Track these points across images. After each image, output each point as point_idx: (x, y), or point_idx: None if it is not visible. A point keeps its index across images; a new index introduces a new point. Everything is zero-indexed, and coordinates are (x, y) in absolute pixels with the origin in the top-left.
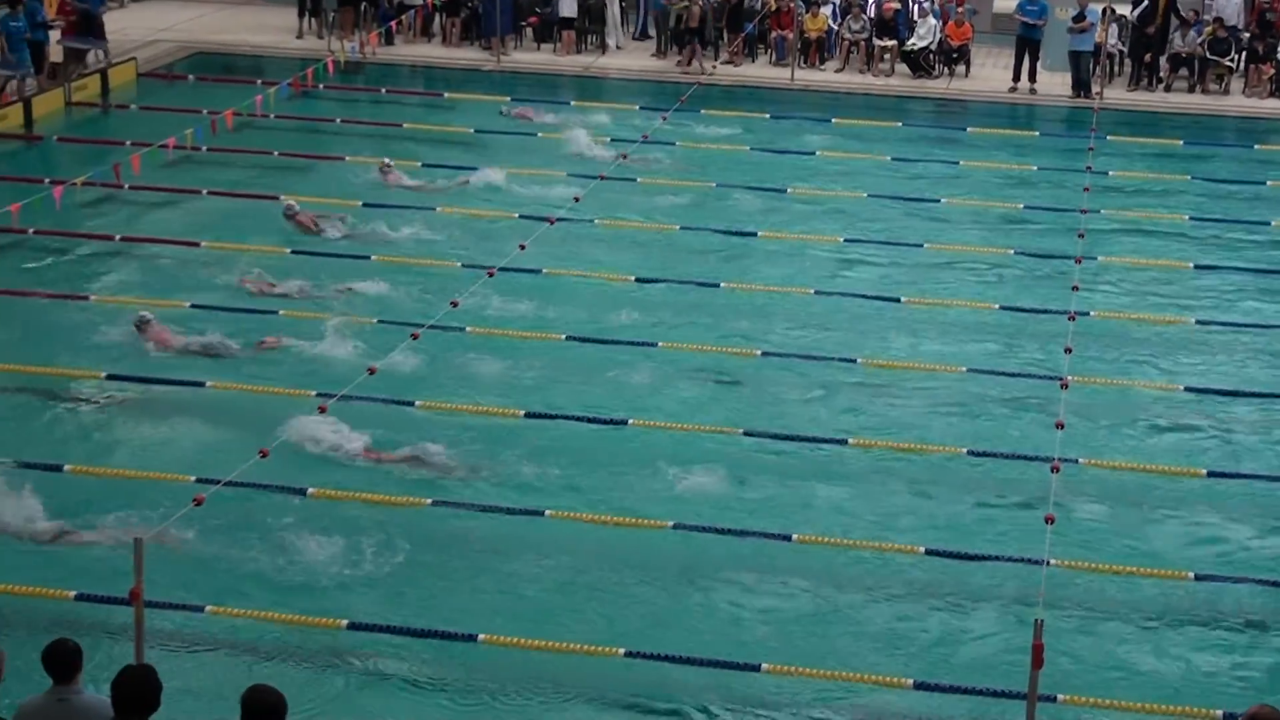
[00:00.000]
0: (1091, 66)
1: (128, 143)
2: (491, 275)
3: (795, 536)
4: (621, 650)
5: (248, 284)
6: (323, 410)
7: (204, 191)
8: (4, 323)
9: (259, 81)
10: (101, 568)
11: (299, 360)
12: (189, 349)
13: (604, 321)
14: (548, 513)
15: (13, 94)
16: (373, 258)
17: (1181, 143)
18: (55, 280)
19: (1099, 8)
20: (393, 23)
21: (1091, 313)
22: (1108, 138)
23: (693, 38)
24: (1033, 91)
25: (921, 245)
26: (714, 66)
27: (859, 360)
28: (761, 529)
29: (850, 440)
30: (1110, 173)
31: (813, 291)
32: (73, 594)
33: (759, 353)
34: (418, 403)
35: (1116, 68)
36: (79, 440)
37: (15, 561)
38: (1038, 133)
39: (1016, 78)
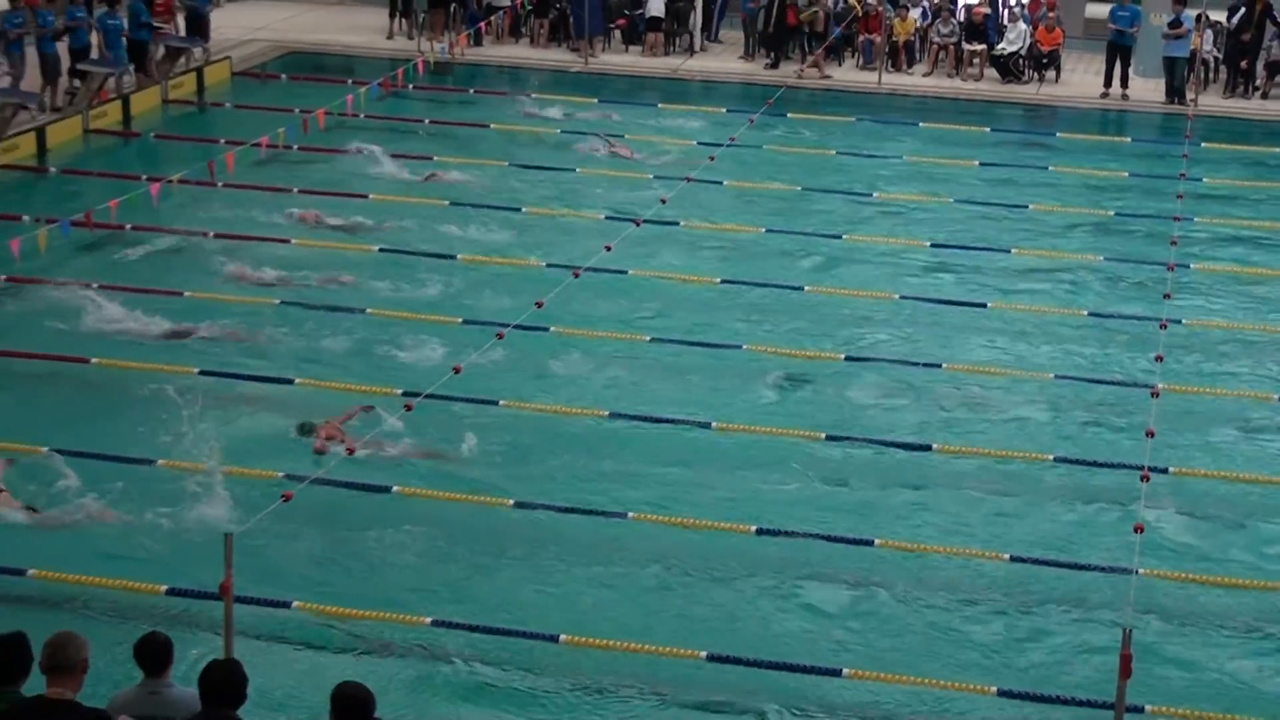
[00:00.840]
0: (1186, 73)
1: (222, 140)
2: (577, 276)
3: (878, 541)
4: (704, 653)
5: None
6: (408, 409)
7: (295, 190)
8: (108, 318)
9: (350, 81)
10: (191, 562)
11: (386, 359)
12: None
13: (688, 323)
14: (630, 515)
15: (111, 91)
16: (458, 257)
17: (1277, 150)
18: (150, 276)
19: (1194, 14)
20: (481, 24)
21: (1184, 321)
22: (1202, 144)
23: (814, 43)
24: (1125, 98)
25: (1009, 251)
26: (800, 70)
27: (944, 365)
28: (844, 534)
29: (935, 446)
30: (1205, 179)
31: (898, 296)
32: (164, 588)
33: (843, 357)
34: (501, 402)
35: (1211, 74)
36: (171, 435)
37: (107, 554)
38: (1130, 139)
39: (1108, 83)
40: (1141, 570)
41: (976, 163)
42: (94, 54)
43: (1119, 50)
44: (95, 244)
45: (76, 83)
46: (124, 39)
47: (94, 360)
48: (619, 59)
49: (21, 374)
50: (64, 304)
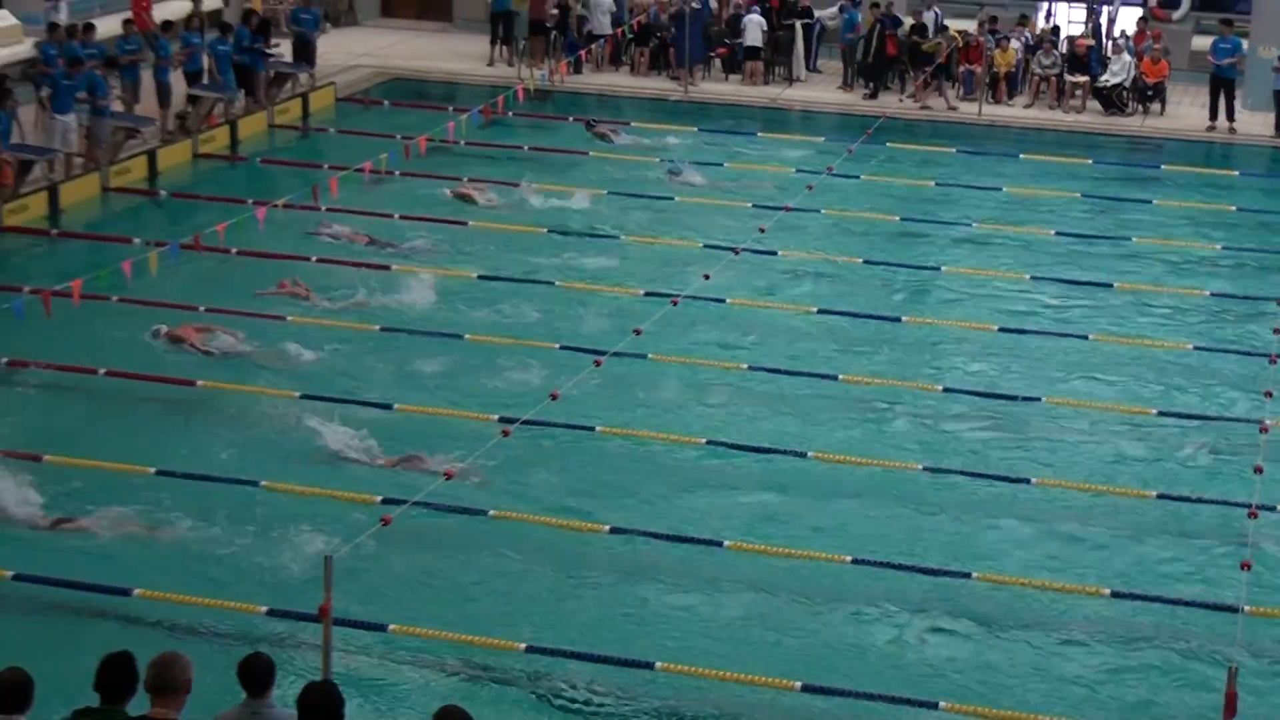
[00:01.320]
0: None
1: (325, 165)
2: (675, 304)
3: (975, 575)
4: (798, 683)
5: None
6: (506, 434)
7: (396, 215)
8: (212, 340)
9: (450, 108)
10: (289, 583)
11: (483, 384)
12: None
13: (785, 352)
14: (726, 543)
15: (219, 116)
16: (556, 283)
17: None
18: (254, 300)
19: None
20: (582, 52)
21: None
22: None
23: (938, 75)
24: (1232, 131)
25: (1111, 285)
26: (900, 100)
27: (1043, 399)
28: (941, 566)
29: (1034, 479)
30: None
31: (996, 328)
32: (264, 609)
33: (940, 388)
34: (598, 428)
35: None
36: (273, 457)
37: (208, 575)
38: (1237, 172)
39: (1213, 116)
40: (1248, 608)
41: (1078, 195)
42: (204, 79)
43: (1222, 83)
44: (203, 267)
45: (188, 107)
46: (232, 65)
47: (200, 383)
48: (718, 88)
49: (129, 395)
50: (175, 325)
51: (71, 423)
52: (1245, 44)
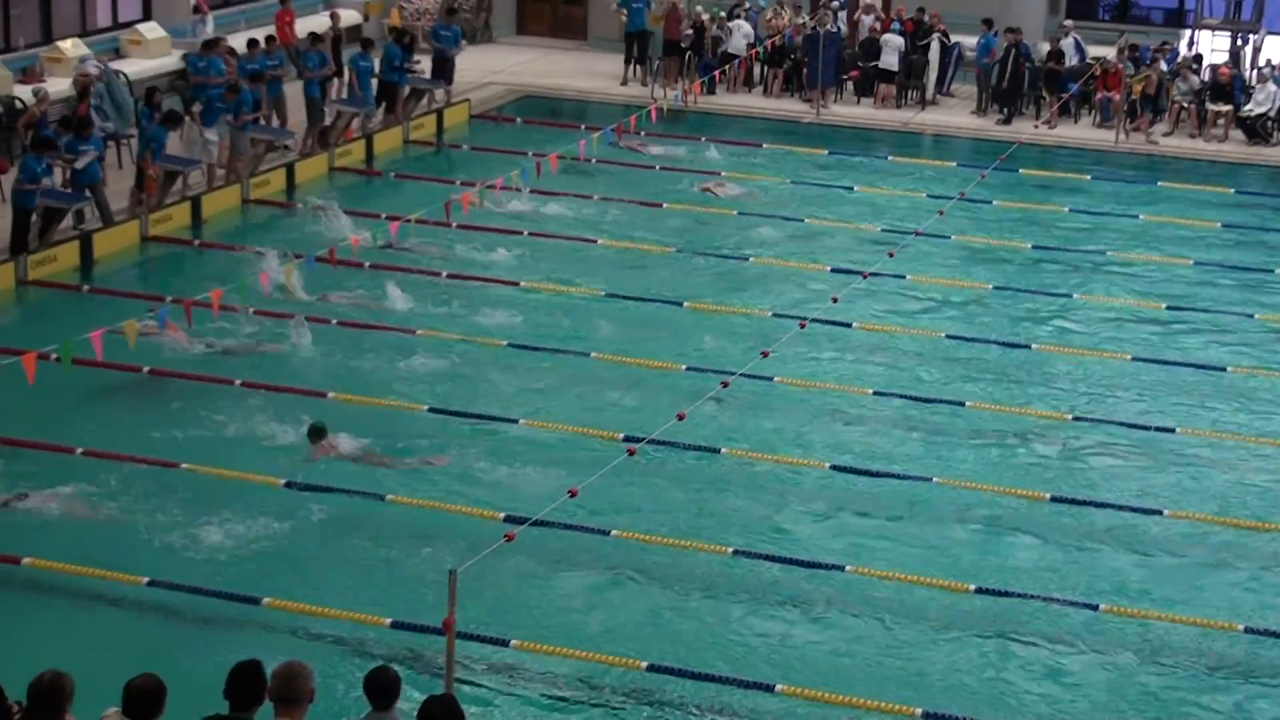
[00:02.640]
0: None
1: (458, 181)
2: (803, 327)
3: (1102, 607)
4: (919, 710)
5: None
6: (631, 454)
7: (525, 232)
8: (338, 352)
9: (583, 126)
10: (410, 597)
11: (609, 403)
12: None
13: (912, 377)
14: (849, 568)
15: (357, 130)
16: (685, 304)
17: None
18: (383, 313)
19: None
20: (715, 72)
21: None
22: None
23: (1145, 108)
24: None
25: (1252, 315)
26: (1035, 126)
27: (1177, 430)
28: (1068, 596)
29: (1166, 512)
30: None
31: (1130, 357)
32: (388, 621)
33: (1069, 417)
34: (724, 450)
35: None
36: (399, 472)
37: (334, 587)
38: None
39: None
40: None
41: (1218, 224)
42: (342, 93)
43: None
44: (337, 279)
45: (326, 121)
46: (373, 80)
47: (330, 394)
48: (850, 110)
49: (261, 406)
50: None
51: (209, 431)
52: None
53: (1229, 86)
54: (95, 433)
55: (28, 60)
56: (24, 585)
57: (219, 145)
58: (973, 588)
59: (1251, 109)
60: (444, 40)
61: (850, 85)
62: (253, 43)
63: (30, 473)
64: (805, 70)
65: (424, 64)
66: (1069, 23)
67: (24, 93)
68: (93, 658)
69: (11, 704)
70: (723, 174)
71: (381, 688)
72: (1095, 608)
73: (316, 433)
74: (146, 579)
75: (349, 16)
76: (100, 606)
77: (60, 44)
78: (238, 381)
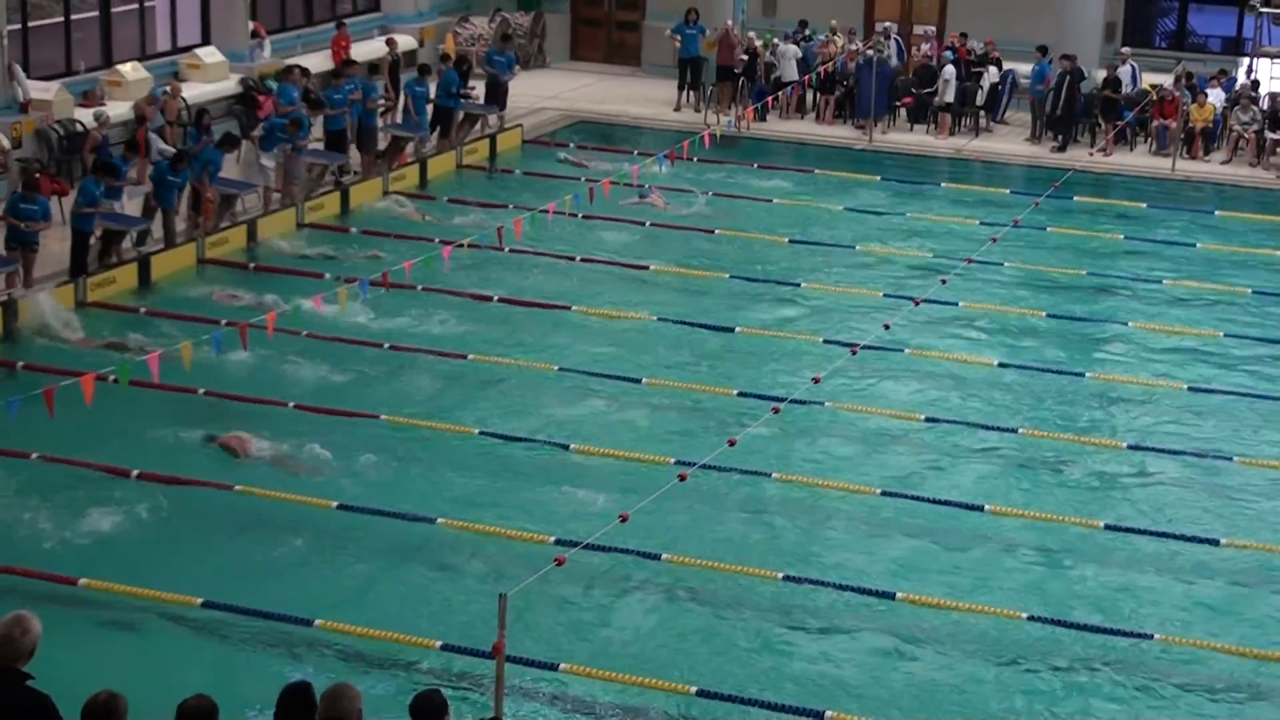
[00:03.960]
0: None
1: (510, 205)
2: (854, 353)
3: (1158, 636)
4: None
5: None
6: (682, 479)
7: (577, 258)
8: (396, 375)
9: (635, 151)
10: (461, 620)
11: (659, 428)
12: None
13: (963, 405)
14: (899, 595)
15: (410, 155)
16: (737, 329)
17: None
18: (439, 337)
19: None
20: (768, 99)
21: None
22: None
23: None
24: None
25: None
26: (1090, 153)
27: (1234, 459)
28: (1122, 625)
29: (1222, 541)
30: None
31: (1185, 387)
32: (438, 644)
33: (1124, 445)
34: (775, 475)
35: None
36: (451, 494)
37: (385, 610)
38: None
39: None
40: None
41: (1277, 252)
42: (397, 118)
43: None
44: (393, 304)
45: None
46: (429, 105)
47: (383, 417)
48: (903, 137)
49: (312, 430)
50: (361, 360)
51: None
52: None
53: None
54: (150, 455)
55: (88, 84)
56: (80, 605)
57: (275, 169)
58: (1025, 615)
59: None
60: (498, 66)
61: (903, 112)
62: (334, 73)
63: (87, 493)
64: (858, 97)
65: (478, 89)
66: (1126, 50)
67: (85, 116)
68: (147, 678)
69: None
70: (650, 186)
71: (429, 711)
72: (1150, 636)
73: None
74: (200, 600)
75: (405, 42)
76: (155, 627)
77: (120, 68)
78: (291, 404)
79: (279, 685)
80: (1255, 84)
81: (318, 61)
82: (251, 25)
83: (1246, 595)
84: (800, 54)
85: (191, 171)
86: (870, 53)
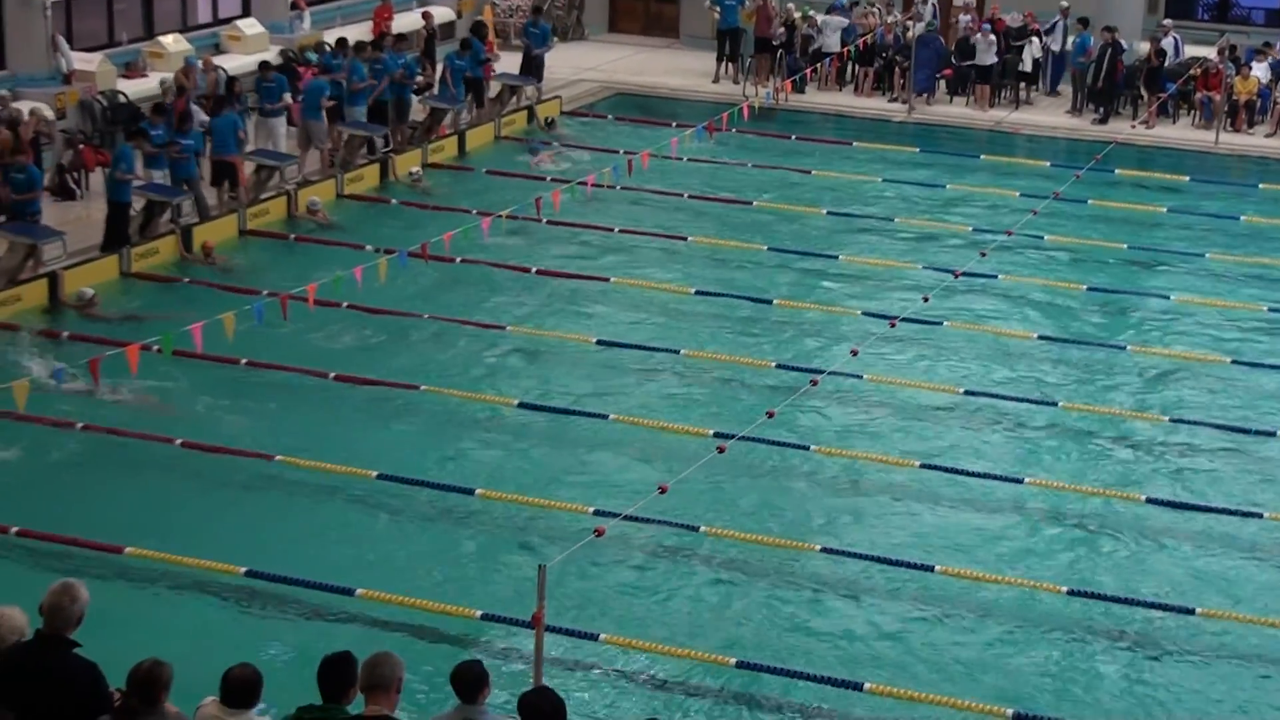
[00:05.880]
0: None
1: (548, 178)
2: (893, 325)
3: (1199, 610)
4: (1010, 711)
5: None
6: (721, 450)
7: (615, 229)
8: (430, 347)
9: (674, 124)
10: (501, 590)
11: (697, 400)
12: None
13: (1003, 377)
14: (937, 568)
15: (449, 126)
16: (774, 302)
17: None
18: (476, 309)
19: None
20: (807, 70)
21: None
22: None
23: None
24: None
25: None
26: (1133, 126)
27: (1278, 433)
28: (1161, 600)
29: (1266, 514)
30: None
31: (1229, 360)
32: (478, 614)
33: (1166, 419)
34: (813, 448)
35: None
36: (490, 466)
37: (426, 579)
38: None
39: None
40: None
41: None
42: (437, 90)
43: None
44: (432, 273)
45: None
46: (465, 79)
47: (422, 387)
48: (943, 110)
49: (357, 402)
50: (401, 331)
51: (303, 424)
52: None
53: None
54: (192, 424)
55: (130, 55)
56: (125, 574)
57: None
58: (1065, 589)
59: None
60: (533, 38)
61: (943, 84)
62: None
63: (131, 460)
64: (898, 69)
65: (502, 60)
66: (1168, 22)
67: (127, 87)
68: (191, 647)
69: (112, 690)
70: (555, 144)
71: (469, 681)
72: (1192, 611)
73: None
74: (244, 569)
75: (441, 14)
76: (198, 596)
77: (162, 39)
78: (331, 375)
79: (322, 654)
80: None
81: (356, 33)
82: None
83: None
84: (844, 24)
85: (215, 138)
86: (911, 24)
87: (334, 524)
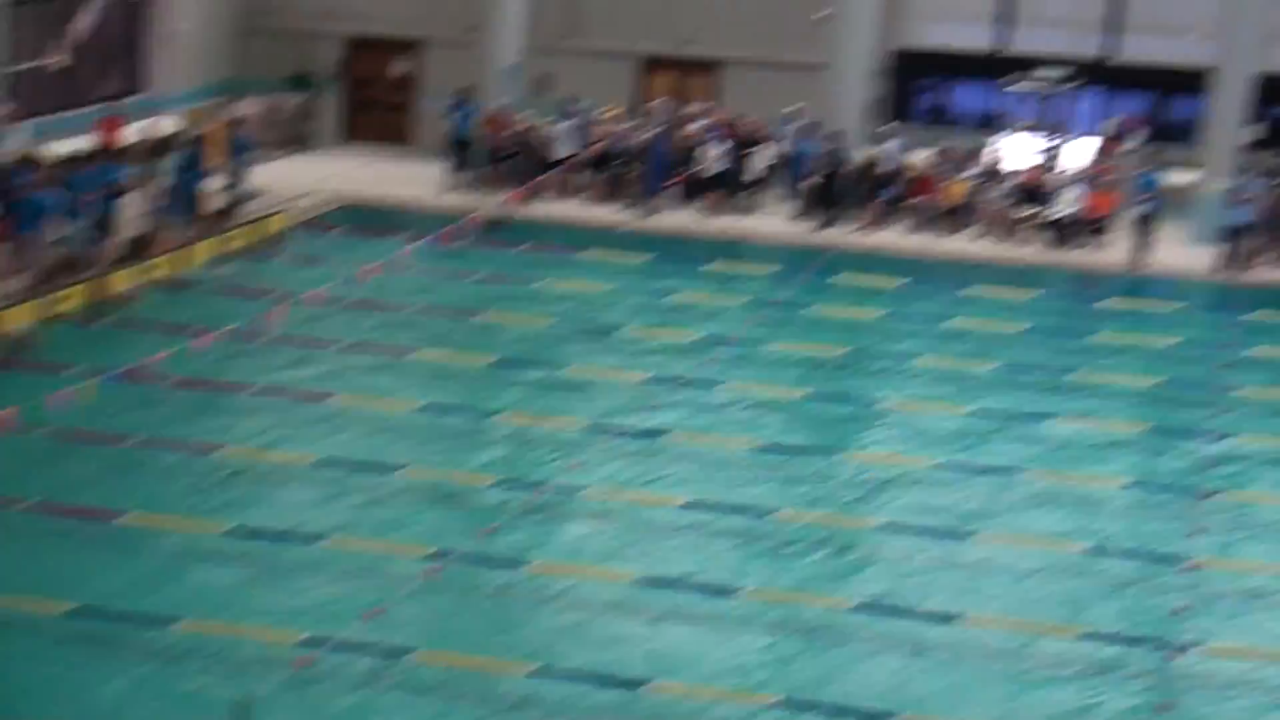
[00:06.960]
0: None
1: (274, 293)
2: (616, 437)
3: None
4: None
5: None
6: (432, 571)
7: (339, 344)
8: (138, 469)
9: (403, 235)
10: None
11: (414, 517)
12: None
13: (724, 486)
14: (643, 687)
15: (170, 241)
16: (496, 416)
17: None
18: (192, 428)
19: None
20: (539, 179)
21: None
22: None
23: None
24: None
25: (1053, 415)
26: (853, 231)
27: (979, 534)
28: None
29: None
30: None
31: (935, 463)
32: None
33: (880, 520)
34: (534, 562)
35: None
36: (195, 592)
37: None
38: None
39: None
40: None
41: (1022, 328)
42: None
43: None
44: (135, 399)
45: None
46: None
47: (127, 515)
48: (673, 217)
49: (45, 531)
50: (95, 455)
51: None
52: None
53: (1039, 190)
54: None
55: None
56: None
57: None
58: (773, 699)
59: (1053, 212)
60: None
61: (675, 190)
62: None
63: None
64: (629, 176)
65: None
66: (888, 127)
67: None
68: None
69: None
70: None
71: None
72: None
73: None
74: None
75: (170, 124)
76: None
77: None
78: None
79: None
80: (1002, 160)
81: (77, 145)
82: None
83: (991, 673)
84: (574, 125)
85: None
86: (645, 129)
87: (30, 659)
